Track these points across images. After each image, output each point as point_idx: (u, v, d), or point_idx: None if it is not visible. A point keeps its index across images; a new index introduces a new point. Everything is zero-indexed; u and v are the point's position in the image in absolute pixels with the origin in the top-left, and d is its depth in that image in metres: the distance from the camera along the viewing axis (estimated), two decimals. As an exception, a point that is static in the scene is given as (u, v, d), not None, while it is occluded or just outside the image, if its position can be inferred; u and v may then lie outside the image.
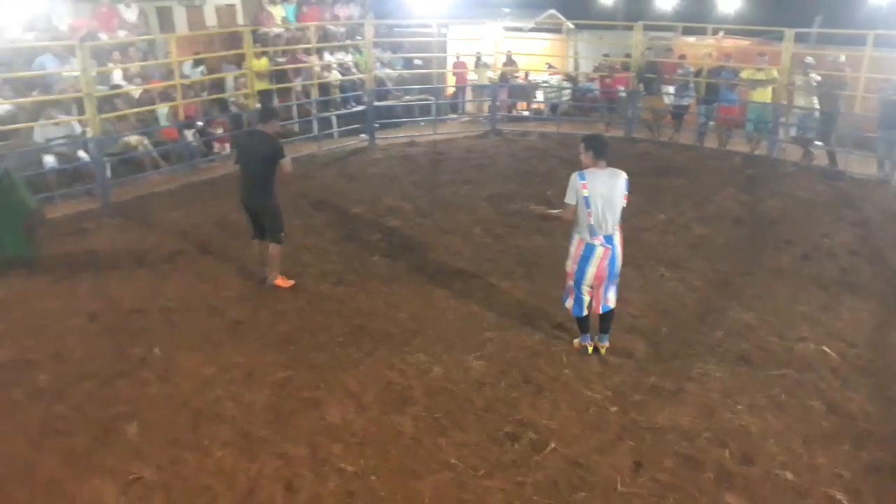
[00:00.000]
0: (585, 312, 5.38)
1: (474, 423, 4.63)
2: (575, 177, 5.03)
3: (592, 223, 5.02)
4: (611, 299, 5.32)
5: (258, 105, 11.12)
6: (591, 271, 5.15)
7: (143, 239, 7.87)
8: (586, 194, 4.96)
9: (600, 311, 5.33)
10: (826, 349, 5.58)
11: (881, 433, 4.57)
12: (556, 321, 5.93)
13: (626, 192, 5.05)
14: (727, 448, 4.39)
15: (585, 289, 5.27)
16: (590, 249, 5.10)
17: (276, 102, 12.19)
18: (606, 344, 5.48)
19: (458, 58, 15.03)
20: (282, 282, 6.65)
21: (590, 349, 5.47)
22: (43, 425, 4.61)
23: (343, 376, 5.15)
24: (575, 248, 5.20)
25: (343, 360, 5.39)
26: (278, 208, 6.54)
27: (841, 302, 6.43)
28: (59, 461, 4.27)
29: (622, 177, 5.03)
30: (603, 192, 4.96)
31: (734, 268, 7.16)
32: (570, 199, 5.06)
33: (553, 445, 4.39)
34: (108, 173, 9.39)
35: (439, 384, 5.05)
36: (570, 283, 5.32)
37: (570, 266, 5.25)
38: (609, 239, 5.08)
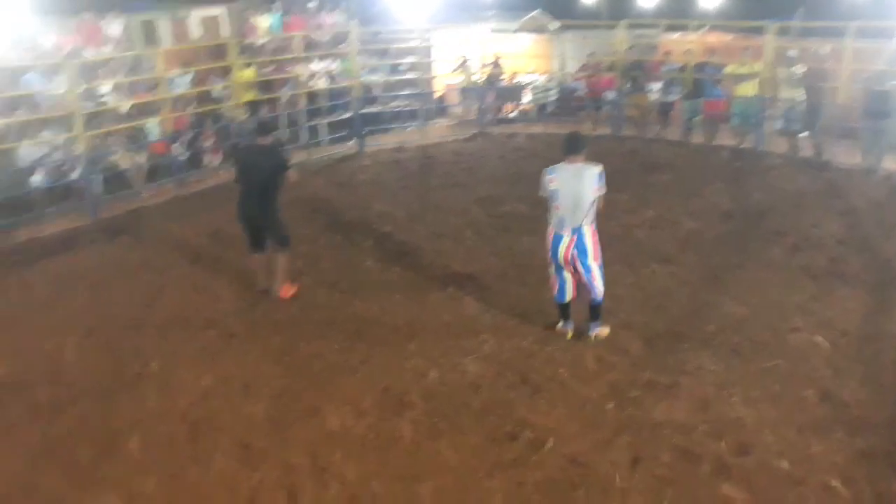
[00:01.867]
0: (567, 299, 5.66)
1: (472, 424, 4.67)
2: (545, 171, 5.42)
3: (561, 215, 5.36)
4: (598, 290, 5.53)
5: (245, 116, 11.16)
6: (560, 256, 5.46)
7: (135, 254, 7.88)
8: (554, 188, 5.34)
9: (589, 299, 5.60)
10: (818, 339, 5.64)
11: (874, 420, 4.63)
12: (549, 321, 5.97)
13: (599, 185, 5.32)
14: (723, 440, 4.43)
15: (564, 276, 5.54)
16: (557, 239, 5.44)
17: (264, 112, 12.24)
18: (597, 331, 5.71)
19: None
20: (287, 290, 6.64)
21: (569, 335, 5.73)
22: (43, 443, 4.62)
23: (341, 383, 5.18)
24: (547, 237, 5.53)
25: (340, 367, 5.42)
26: (281, 218, 6.54)
27: (831, 291, 6.50)
28: (60, 478, 4.28)
29: (593, 170, 5.32)
30: (569, 186, 5.30)
31: (725, 261, 7.23)
32: (542, 192, 5.46)
33: (551, 444, 4.43)
34: (99, 189, 9.40)
35: (436, 388, 5.09)
36: (551, 270, 5.60)
37: (547, 256, 5.57)
38: (576, 230, 5.37)
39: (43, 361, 5.63)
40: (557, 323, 5.83)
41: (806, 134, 11.48)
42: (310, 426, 4.71)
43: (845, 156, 10.86)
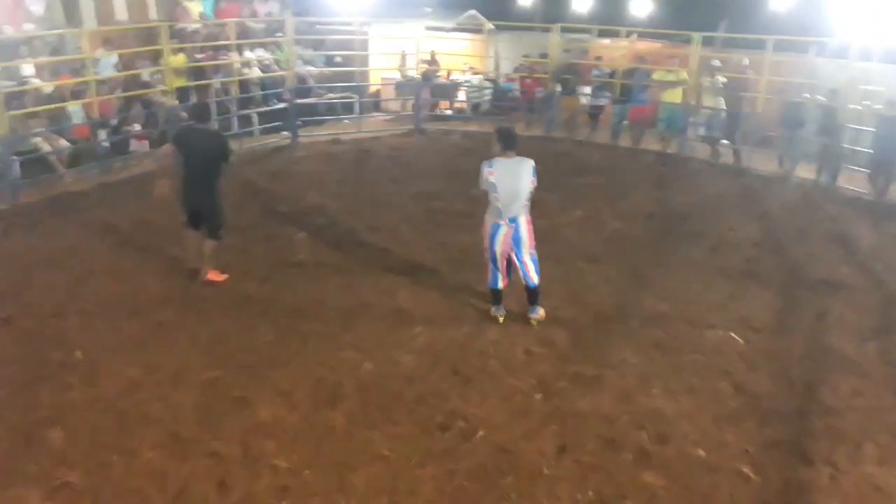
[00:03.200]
0: (500, 286, 5.97)
1: (405, 415, 4.74)
2: (484, 165, 5.68)
3: (500, 206, 5.65)
4: (532, 277, 5.88)
5: (175, 102, 10.89)
6: (498, 247, 5.78)
7: (57, 241, 7.59)
8: (493, 181, 5.62)
9: (526, 286, 5.92)
10: (733, 335, 5.96)
11: (783, 411, 4.94)
12: (482, 314, 6.11)
13: (533, 178, 5.66)
14: (644, 430, 4.65)
15: (500, 265, 5.85)
16: (495, 228, 5.74)
17: (194, 99, 11.95)
18: (537, 315, 6.00)
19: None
20: (215, 276, 6.58)
21: (500, 319, 6.00)
22: (-42, 435, 4.45)
23: (273, 375, 5.16)
24: (484, 228, 5.84)
25: (272, 359, 5.39)
26: (222, 205, 6.48)
27: (746, 290, 6.86)
28: (-23, 471, 4.13)
29: (528, 164, 5.66)
30: (508, 178, 5.60)
31: (648, 260, 7.52)
32: (481, 185, 5.72)
33: (482, 433, 4.55)
34: (18, 173, 9.00)
35: (370, 379, 5.14)
36: (486, 257, 5.92)
37: (484, 243, 5.88)
38: (513, 220, 5.69)
39: (-43, 350, 5.39)
40: (490, 308, 6.08)
41: (726, 141, 12.04)
42: (241, 417, 4.67)
43: (763, 163, 11.46)
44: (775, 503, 4.09)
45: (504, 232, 5.73)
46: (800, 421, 4.83)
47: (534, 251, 5.87)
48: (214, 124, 11.71)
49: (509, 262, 5.88)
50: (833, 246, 8.18)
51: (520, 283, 5.98)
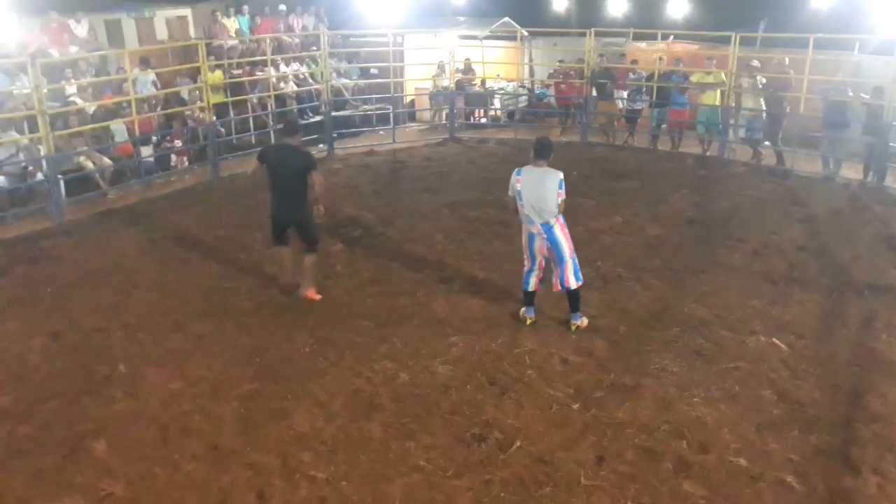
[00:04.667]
0: (532, 288, 6.02)
1: (441, 426, 4.74)
2: (514, 173, 5.79)
3: (527, 212, 5.72)
4: (570, 280, 5.85)
5: (214, 117, 11.12)
6: (537, 255, 5.88)
7: (101, 257, 7.80)
8: (519, 188, 5.72)
9: (559, 289, 5.92)
10: (776, 341, 5.82)
11: (828, 418, 4.80)
12: (518, 323, 6.08)
13: (561, 191, 5.66)
14: (684, 439, 4.57)
15: (536, 268, 5.92)
16: (531, 237, 5.82)
17: (232, 114, 12.20)
18: (578, 322, 6.01)
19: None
20: (313, 294, 6.64)
21: (528, 321, 6.06)
22: (8, 446, 4.58)
23: (310, 386, 5.21)
24: (523, 233, 5.92)
25: (309, 370, 5.45)
26: (314, 220, 6.54)
27: (789, 295, 6.70)
28: (27, 482, 4.25)
29: (556, 176, 5.67)
30: (533, 187, 5.65)
31: (688, 266, 7.40)
32: (510, 192, 5.80)
33: (518, 444, 4.52)
34: (63, 191, 9.27)
35: (406, 390, 5.15)
36: (526, 263, 5.98)
37: (524, 249, 5.94)
38: (546, 227, 5.71)
39: (8, 365, 5.56)
40: (521, 309, 6.18)
41: (768, 143, 11.80)
42: (280, 428, 4.73)
43: (805, 164, 11.19)
44: (822, 514, 3.98)
45: (538, 242, 5.78)
46: (846, 429, 4.69)
47: (574, 254, 5.86)
48: (252, 139, 12.03)
49: (547, 265, 5.91)
50: (881, 248, 7.94)
51: (556, 291, 5.95)
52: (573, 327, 5.98)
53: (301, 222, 6.46)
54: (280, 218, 6.46)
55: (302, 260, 6.57)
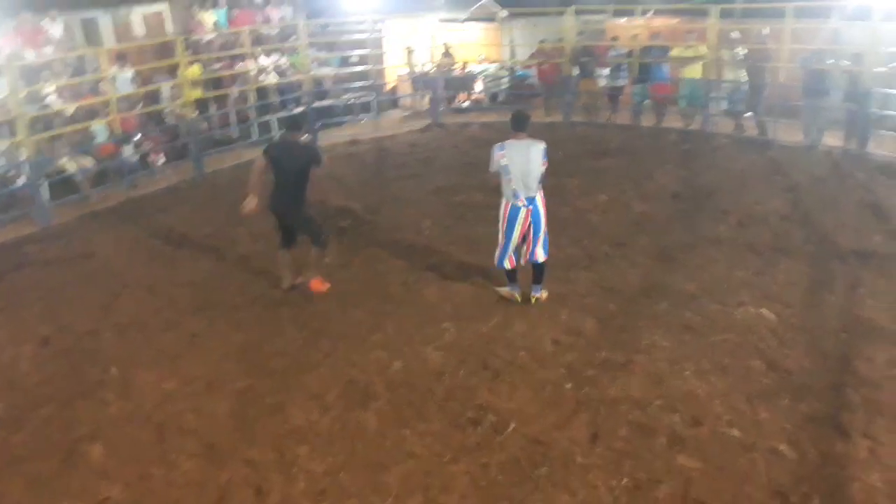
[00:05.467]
0: (507, 266, 6.10)
1: (436, 412, 4.76)
2: (495, 148, 5.85)
3: (514, 187, 5.77)
4: (539, 254, 5.99)
5: (194, 115, 11.03)
6: (517, 230, 5.90)
7: (88, 259, 7.76)
8: (504, 163, 5.76)
9: (528, 261, 6.02)
10: (764, 311, 5.87)
11: (817, 386, 4.86)
12: (509, 306, 6.10)
13: (545, 160, 5.80)
14: (677, 413, 4.61)
15: (512, 246, 5.98)
16: (515, 210, 5.85)
17: (213, 109, 12.12)
18: (539, 294, 6.13)
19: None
20: (319, 284, 6.63)
21: (517, 297, 6.13)
22: (3, 454, 4.58)
23: (304, 379, 5.22)
24: (503, 211, 5.93)
25: (303, 363, 5.46)
26: (312, 214, 6.54)
27: (775, 265, 6.74)
28: (24, 488, 4.25)
29: (539, 145, 5.79)
30: (519, 160, 5.73)
31: (675, 241, 7.44)
32: (492, 168, 5.87)
33: (513, 426, 4.55)
34: (47, 195, 9.20)
35: (400, 377, 5.17)
36: (501, 241, 6.02)
37: (501, 226, 5.97)
38: (531, 200, 5.81)
39: (-1, 372, 5.55)
40: (503, 287, 6.25)
41: (750, 114, 11.82)
42: (275, 422, 4.75)
43: (787, 134, 11.22)
44: (814, 479, 4.03)
45: (524, 214, 5.85)
46: (835, 395, 4.75)
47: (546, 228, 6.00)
48: (235, 133, 11.95)
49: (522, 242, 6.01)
50: (865, 214, 7.99)
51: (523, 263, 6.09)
52: (533, 300, 6.10)
53: (302, 219, 6.46)
54: (278, 211, 6.44)
55: (310, 254, 6.58)
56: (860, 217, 7.90)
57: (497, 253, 6.09)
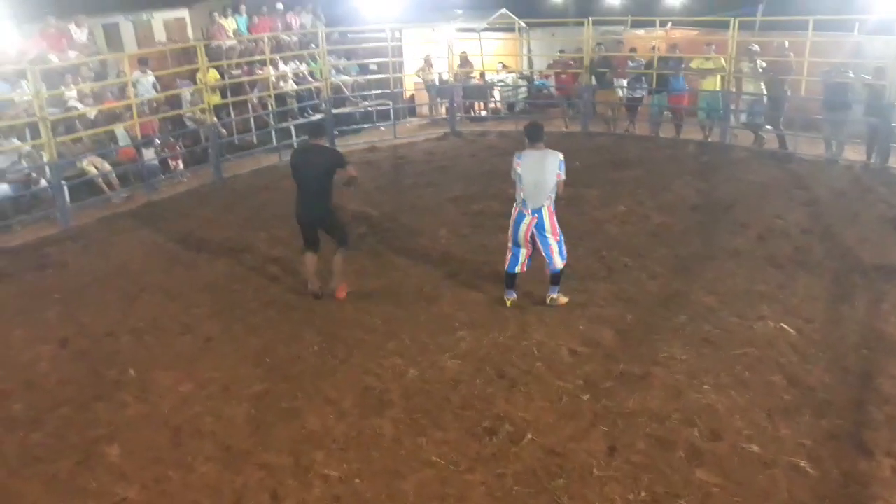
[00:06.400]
0: (517, 270, 6.19)
1: (452, 420, 4.74)
2: (514, 156, 5.95)
3: (524, 196, 5.88)
4: (557, 262, 6.06)
5: (215, 118, 11.11)
6: (521, 235, 6.00)
7: (107, 261, 7.82)
8: (519, 171, 5.87)
9: (548, 271, 6.13)
10: (784, 326, 5.81)
11: (838, 402, 4.80)
12: (525, 316, 6.07)
13: (560, 171, 5.83)
14: (696, 427, 4.56)
15: (522, 254, 6.10)
16: (520, 216, 5.97)
17: (232, 115, 12.21)
18: (554, 295, 6.22)
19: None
20: (343, 290, 6.63)
21: (508, 303, 6.25)
22: (22, 454, 4.60)
23: (320, 384, 5.22)
24: (512, 214, 6.07)
25: (319, 368, 5.46)
26: (340, 217, 6.55)
27: (796, 279, 6.68)
28: (42, 489, 4.27)
29: (555, 157, 5.84)
30: (532, 169, 5.81)
31: (694, 253, 7.39)
32: (513, 174, 5.95)
33: (530, 436, 4.52)
34: (67, 197, 9.28)
35: (416, 385, 5.16)
36: (509, 244, 6.15)
37: (509, 231, 6.11)
38: (537, 211, 5.89)
39: (18, 373, 5.58)
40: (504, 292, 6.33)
41: (769, 127, 11.75)
42: (291, 427, 4.74)
43: (808, 147, 11.15)
44: (836, 497, 3.97)
45: (527, 222, 5.93)
46: (857, 412, 4.68)
47: (560, 236, 6.01)
48: (253, 138, 12.03)
49: (533, 248, 6.07)
50: (886, 229, 7.90)
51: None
52: (548, 300, 6.19)
53: (328, 221, 6.47)
54: (304, 217, 6.44)
55: (334, 260, 6.57)
56: (882, 232, 7.82)
57: (507, 257, 6.20)
